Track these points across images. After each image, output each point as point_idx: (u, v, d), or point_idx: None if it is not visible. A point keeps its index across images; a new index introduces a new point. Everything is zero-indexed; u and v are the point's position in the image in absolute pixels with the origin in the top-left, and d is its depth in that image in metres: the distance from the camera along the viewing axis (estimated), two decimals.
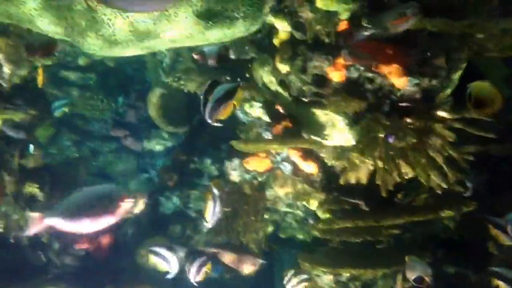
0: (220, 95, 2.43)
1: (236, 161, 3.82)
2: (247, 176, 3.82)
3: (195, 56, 2.97)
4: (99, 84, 4.75)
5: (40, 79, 3.62)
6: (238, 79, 3.34)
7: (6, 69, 3.52)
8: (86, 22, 2.68)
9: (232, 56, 3.10)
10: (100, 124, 4.82)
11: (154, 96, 4.34)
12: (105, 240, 4.15)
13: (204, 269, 3.42)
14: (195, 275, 3.40)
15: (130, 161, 4.86)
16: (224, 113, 2.47)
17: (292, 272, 3.55)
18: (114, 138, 4.80)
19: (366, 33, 2.56)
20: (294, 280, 3.47)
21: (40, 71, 3.62)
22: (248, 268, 3.90)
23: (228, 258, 3.93)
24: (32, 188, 3.75)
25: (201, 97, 2.43)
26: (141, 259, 4.06)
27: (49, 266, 3.98)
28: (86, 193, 2.22)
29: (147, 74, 4.66)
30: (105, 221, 2.19)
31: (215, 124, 2.46)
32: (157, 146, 4.83)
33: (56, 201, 3.92)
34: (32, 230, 2.20)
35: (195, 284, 3.43)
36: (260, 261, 3.86)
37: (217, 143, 4.05)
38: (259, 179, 3.80)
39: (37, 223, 2.17)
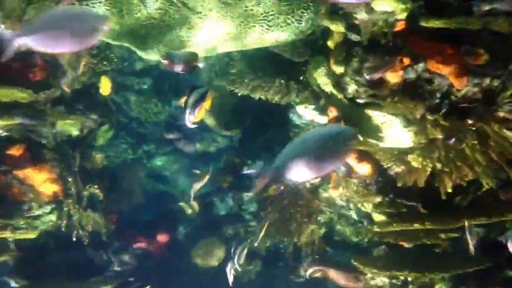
0: (193, 100, 2.63)
1: None
2: None
3: (163, 61, 2.90)
4: (153, 88, 4.87)
5: (105, 86, 3.74)
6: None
7: (69, 75, 3.66)
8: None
9: (200, 65, 3.10)
10: (155, 127, 4.94)
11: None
12: (162, 239, 4.25)
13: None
14: None
15: (184, 163, 4.95)
16: (198, 116, 2.66)
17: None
18: (168, 140, 4.91)
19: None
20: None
21: (104, 79, 3.74)
22: (350, 284, 3.81)
23: (334, 274, 3.84)
24: (92, 189, 3.88)
25: (182, 104, 2.63)
26: (195, 259, 4.14)
27: (108, 264, 4.12)
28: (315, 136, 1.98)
29: (200, 78, 4.74)
30: (331, 167, 1.96)
31: (193, 126, 2.65)
32: (209, 148, 4.91)
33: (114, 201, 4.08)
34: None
35: None
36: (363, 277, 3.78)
37: (271, 145, 4.08)
38: (312, 180, 3.80)
39: None
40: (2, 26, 3.36)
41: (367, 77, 2.72)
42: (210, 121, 4.46)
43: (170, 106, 4.89)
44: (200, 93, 2.69)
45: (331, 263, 3.82)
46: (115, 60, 3.81)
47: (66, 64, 3.62)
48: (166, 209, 4.53)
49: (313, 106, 3.44)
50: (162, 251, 4.29)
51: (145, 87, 4.87)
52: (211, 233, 4.18)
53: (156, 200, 4.67)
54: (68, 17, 1.95)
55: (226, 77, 3.79)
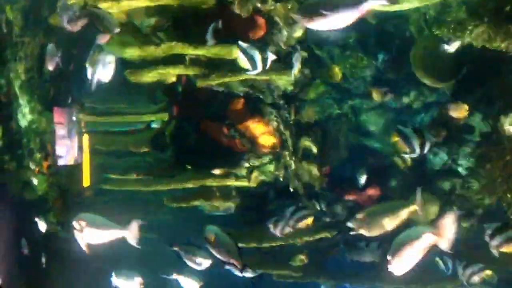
0: None
1: None
2: None
3: None
4: (359, 42, 4.81)
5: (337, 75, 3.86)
6: None
7: (284, 32, 3.81)
8: None
9: None
10: (359, 81, 4.89)
11: (417, 50, 4.24)
12: (373, 192, 4.29)
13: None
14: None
15: (389, 118, 4.86)
16: None
17: None
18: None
19: None
20: None
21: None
22: None
23: None
24: (306, 142, 4.04)
25: None
26: None
27: (322, 215, 4.28)
28: None
29: (409, 29, 4.55)
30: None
31: None
32: (416, 101, 4.73)
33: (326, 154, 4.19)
34: None
35: None
36: None
37: (489, 99, 3.80)
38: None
39: None
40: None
41: None
42: (419, 73, 4.30)
43: (377, 60, 4.80)
44: None
45: None
46: None
47: (283, 22, 3.76)
48: (376, 163, 4.53)
49: None
50: (373, 203, 4.32)
51: (350, 41, 4.83)
52: (425, 188, 4.08)
53: (363, 154, 4.68)
54: None
55: (444, 25, 3.57)
